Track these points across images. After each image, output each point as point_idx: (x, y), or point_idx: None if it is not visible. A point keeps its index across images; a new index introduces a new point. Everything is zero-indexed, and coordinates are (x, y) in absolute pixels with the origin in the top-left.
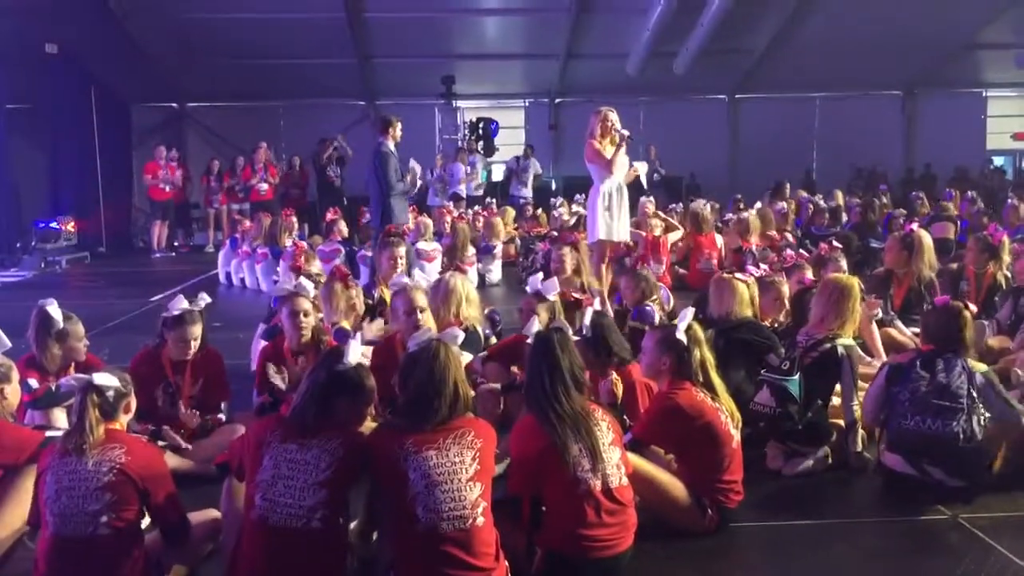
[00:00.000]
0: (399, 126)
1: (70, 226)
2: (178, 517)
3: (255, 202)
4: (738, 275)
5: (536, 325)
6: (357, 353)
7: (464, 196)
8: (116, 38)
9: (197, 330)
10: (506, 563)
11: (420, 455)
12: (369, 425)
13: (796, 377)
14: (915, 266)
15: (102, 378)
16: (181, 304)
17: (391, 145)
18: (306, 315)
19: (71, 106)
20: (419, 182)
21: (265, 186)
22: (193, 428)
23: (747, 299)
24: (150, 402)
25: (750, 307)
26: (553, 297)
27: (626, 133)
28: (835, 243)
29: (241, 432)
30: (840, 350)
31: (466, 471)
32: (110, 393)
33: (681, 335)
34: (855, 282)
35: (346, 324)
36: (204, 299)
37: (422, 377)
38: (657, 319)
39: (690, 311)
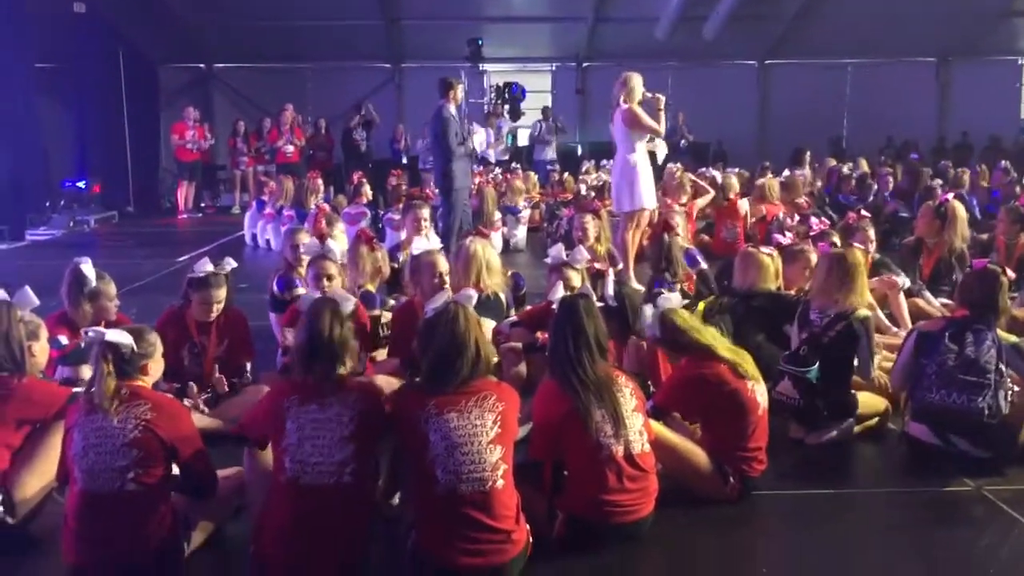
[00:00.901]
0: (460, 88)
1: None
2: (206, 472)
3: (281, 164)
4: (764, 248)
5: (560, 290)
6: (351, 302)
7: (493, 160)
8: None
9: (221, 293)
10: (527, 526)
11: (442, 417)
12: (392, 383)
13: (815, 367)
14: (947, 236)
15: (115, 335)
16: (206, 267)
17: (452, 108)
18: (330, 279)
19: (98, 66)
20: (481, 146)
21: (291, 148)
22: (222, 392)
23: (772, 273)
24: (176, 362)
25: (775, 280)
26: (582, 265)
27: (662, 97)
28: (863, 212)
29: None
30: (856, 325)
31: (487, 434)
32: (124, 351)
33: (651, 329)
34: (859, 253)
35: (371, 286)
36: (230, 263)
37: (442, 340)
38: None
39: (665, 298)
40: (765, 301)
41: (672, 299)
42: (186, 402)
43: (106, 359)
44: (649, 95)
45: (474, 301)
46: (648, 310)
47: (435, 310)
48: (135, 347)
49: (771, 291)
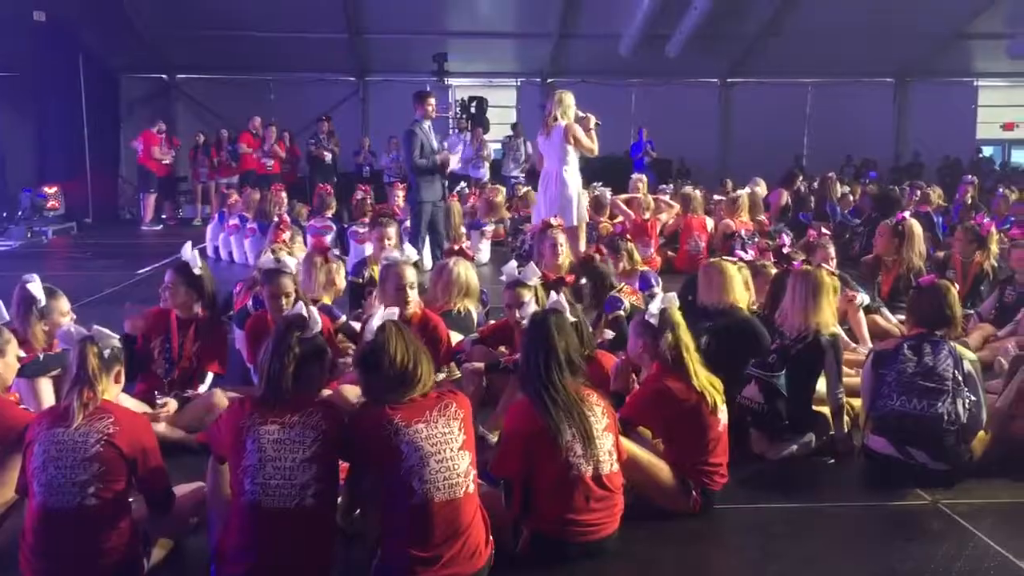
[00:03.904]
0: (432, 101)
1: (51, 202)
2: (163, 489)
3: (262, 175)
4: (727, 258)
5: (532, 307)
6: (318, 321)
7: (480, 175)
8: (105, 6)
9: (168, 275)
10: (492, 539)
11: (411, 428)
12: (355, 392)
13: (783, 373)
14: (905, 254)
15: (101, 332)
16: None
17: (424, 121)
18: (287, 296)
19: (58, 75)
20: (452, 161)
21: (271, 161)
22: (171, 410)
23: (739, 283)
24: (147, 355)
25: (744, 291)
26: (535, 282)
27: (593, 117)
28: (823, 230)
29: (219, 400)
30: (824, 340)
31: (456, 440)
32: (107, 350)
33: (652, 319)
34: (825, 273)
35: (327, 299)
36: (195, 261)
37: (392, 357)
38: (627, 306)
39: (669, 296)
40: (739, 333)
41: (674, 298)
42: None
43: (94, 354)
44: (582, 114)
45: (396, 315)
46: (657, 301)
47: (375, 330)
48: (114, 347)
49: (744, 320)
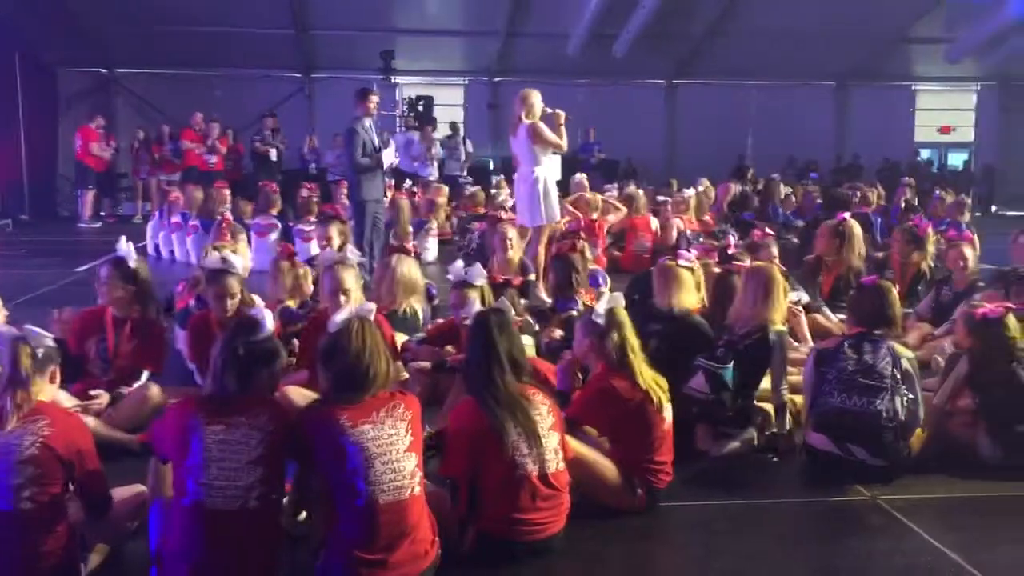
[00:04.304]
0: (374, 99)
1: None
2: (101, 492)
3: (204, 172)
4: (682, 261)
5: (476, 307)
6: (271, 322)
7: (429, 174)
8: None
9: (104, 271)
10: (438, 540)
11: (356, 429)
12: (308, 395)
13: (730, 365)
14: (845, 254)
15: (32, 332)
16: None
17: (365, 119)
18: (232, 296)
19: None
20: (394, 158)
21: (215, 158)
22: (103, 402)
23: (691, 286)
24: (82, 354)
25: (695, 293)
26: (480, 282)
27: (562, 113)
28: (767, 230)
29: (154, 393)
30: (772, 336)
31: (402, 442)
32: (40, 350)
33: (598, 318)
34: (777, 270)
35: (291, 303)
36: (131, 254)
37: (349, 353)
38: (580, 306)
39: (615, 296)
40: (680, 327)
41: (620, 298)
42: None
43: (27, 354)
44: (550, 111)
45: (373, 314)
46: (604, 300)
47: (339, 324)
48: (48, 347)
49: (692, 318)
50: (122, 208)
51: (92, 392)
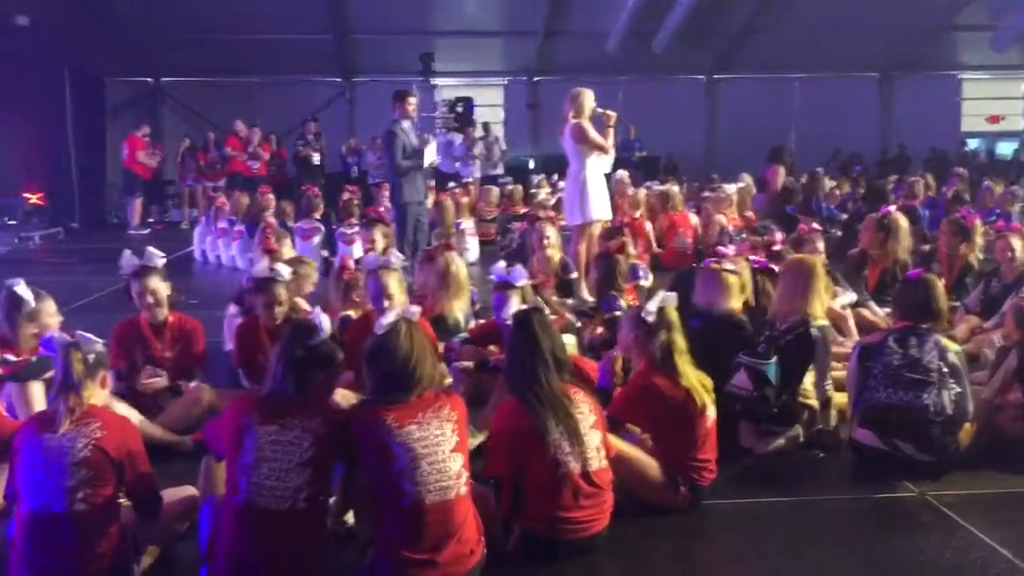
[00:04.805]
0: (412, 100)
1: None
2: (151, 494)
3: (248, 177)
4: (727, 265)
5: (514, 307)
6: (328, 325)
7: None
8: (89, 10)
9: (151, 283)
10: (483, 539)
11: (403, 429)
12: (349, 396)
13: (773, 361)
14: (891, 248)
15: (84, 337)
16: (131, 260)
17: (404, 123)
18: (280, 304)
19: (43, 79)
20: (435, 156)
21: (257, 163)
22: (160, 388)
23: (736, 290)
24: (130, 366)
25: (739, 297)
26: (523, 283)
27: (613, 114)
28: (814, 225)
29: (206, 395)
30: (814, 331)
31: (448, 443)
32: (91, 356)
33: (648, 316)
34: (818, 261)
35: (352, 313)
36: (153, 253)
37: (397, 354)
38: (623, 306)
39: (669, 295)
40: (723, 327)
41: (673, 298)
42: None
43: (78, 360)
44: (600, 111)
45: (417, 316)
46: (656, 298)
47: (386, 326)
48: (99, 352)
49: (733, 318)
50: (170, 215)
51: (148, 374)
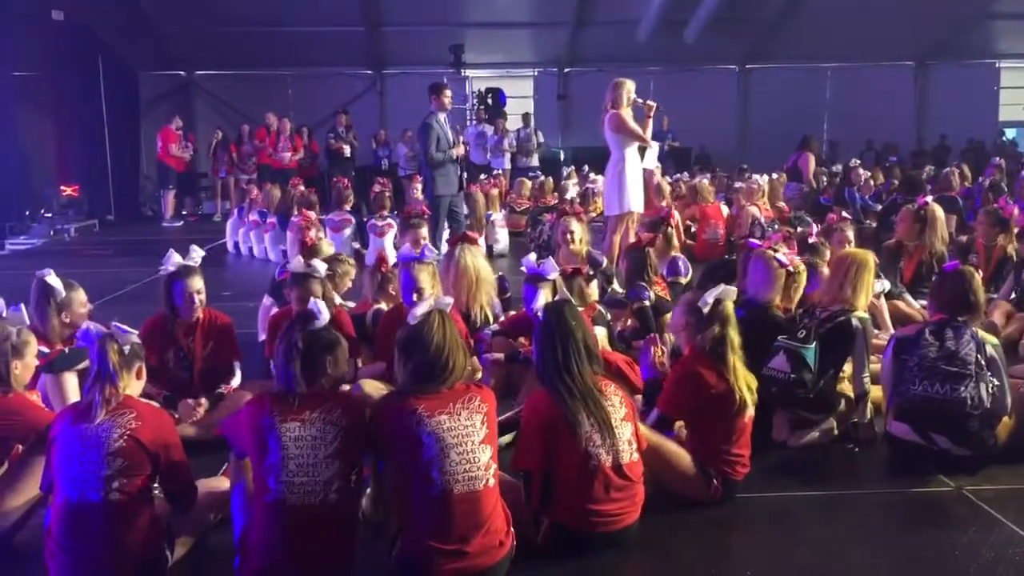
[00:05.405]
0: (448, 93)
1: (70, 191)
2: (186, 484)
3: (278, 169)
4: (779, 257)
5: (542, 299)
6: (326, 313)
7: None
8: (123, 4)
9: (198, 283)
10: (513, 530)
11: (433, 419)
12: (380, 387)
13: (812, 346)
14: (927, 239)
15: (119, 329)
16: (175, 259)
17: (439, 113)
18: (315, 297)
19: (78, 74)
20: (462, 146)
21: (288, 155)
22: (203, 404)
23: (781, 284)
24: (162, 365)
25: (781, 292)
26: (554, 276)
27: (653, 104)
28: (844, 214)
29: (248, 396)
30: (855, 322)
31: (477, 434)
32: (126, 347)
33: (704, 306)
34: (871, 256)
35: (383, 306)
36: (197, 252)
37: (430, 345)
38: (652, 296)
39: (729, 289)
40: (758, 318)
41: (732, 292)
42: (183, 411)
43: (114, 351)
44: (640, 101)
45: (450, 307)
46: (715, 290)
47: (419, 316)
48: (134, 343)
49: (770, 314)
50: (203, 207)
51: (190, 402)
